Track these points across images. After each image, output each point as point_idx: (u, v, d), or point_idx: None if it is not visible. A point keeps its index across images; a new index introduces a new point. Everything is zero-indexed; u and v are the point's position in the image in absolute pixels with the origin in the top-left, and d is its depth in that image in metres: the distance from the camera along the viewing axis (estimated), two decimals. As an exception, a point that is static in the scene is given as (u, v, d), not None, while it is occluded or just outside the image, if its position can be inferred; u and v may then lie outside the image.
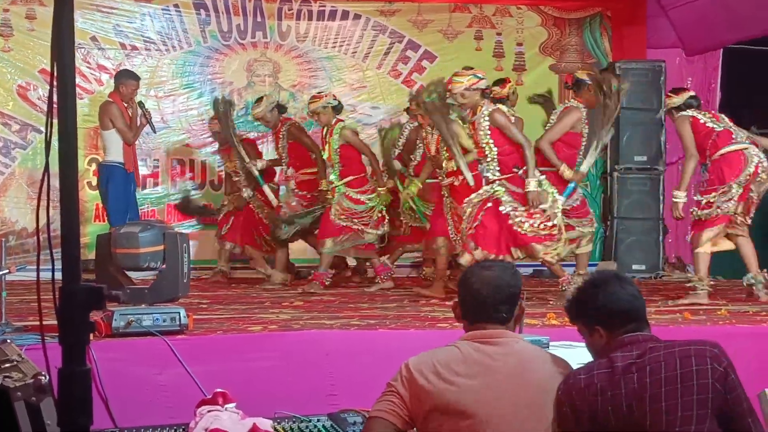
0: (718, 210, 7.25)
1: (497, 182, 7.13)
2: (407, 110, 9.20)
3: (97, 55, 10.00)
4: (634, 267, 10.08)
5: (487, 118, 7.12)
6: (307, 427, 4.20)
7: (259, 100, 8.93)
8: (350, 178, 8.37)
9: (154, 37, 10.20)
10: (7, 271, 5.35)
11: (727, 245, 7.44)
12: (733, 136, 7.39)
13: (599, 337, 3.18)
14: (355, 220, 8.33)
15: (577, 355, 4.19)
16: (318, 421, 4.24)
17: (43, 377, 3.04)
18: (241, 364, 5.00)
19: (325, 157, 8.44)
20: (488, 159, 7.17)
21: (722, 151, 7.32)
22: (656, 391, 2.96)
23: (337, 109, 8.42)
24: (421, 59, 10.70)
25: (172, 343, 4.90)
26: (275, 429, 4.14)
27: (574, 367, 3.21)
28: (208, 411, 4.08)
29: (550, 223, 7.03)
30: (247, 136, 9.70)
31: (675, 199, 7.40)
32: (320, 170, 8.58)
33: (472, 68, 7.61)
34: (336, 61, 10.58)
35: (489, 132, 7.12)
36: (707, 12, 9.89)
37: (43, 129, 8.05)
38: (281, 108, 8.77)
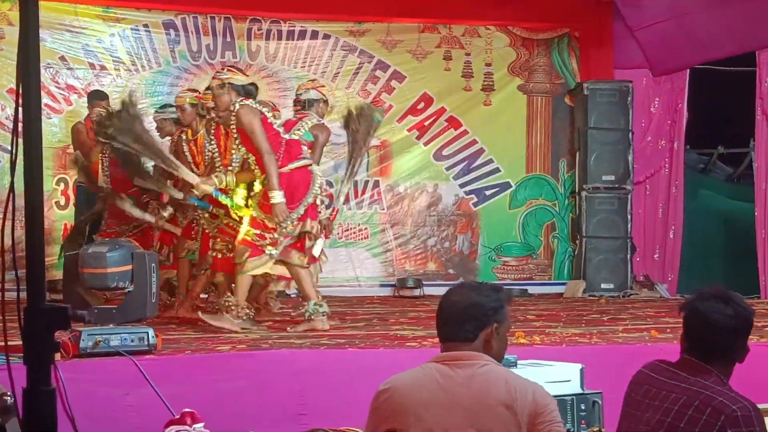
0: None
1: None
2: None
3: (66, 75, 9.94)
4: (603, 286, 10.15)
5: None
6: (275, 446, 4.20)
7: None
8: None
9: (123, 57, 10.17)
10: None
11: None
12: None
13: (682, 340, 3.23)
14: None
15: (544, 373, 4.22)
16: (287, 440, 4.24)
17: (9, 397, 3.02)
18: (210, 383, 4.98)
19: None
20: None
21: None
22: (661, 423, 3.03)
23: None
24: (390, 79, 10.73)
25: (140, 363, 4.87)
26: (244, 449, 4.13)
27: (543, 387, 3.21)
28: (176, 431, 4.07)
29: None
30: None
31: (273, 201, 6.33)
32: None
33: None
34: (305, 81, 10.57)
35: None
36: (673, 34, 9.99)
37: (9, 148, 8.03)
38: None
